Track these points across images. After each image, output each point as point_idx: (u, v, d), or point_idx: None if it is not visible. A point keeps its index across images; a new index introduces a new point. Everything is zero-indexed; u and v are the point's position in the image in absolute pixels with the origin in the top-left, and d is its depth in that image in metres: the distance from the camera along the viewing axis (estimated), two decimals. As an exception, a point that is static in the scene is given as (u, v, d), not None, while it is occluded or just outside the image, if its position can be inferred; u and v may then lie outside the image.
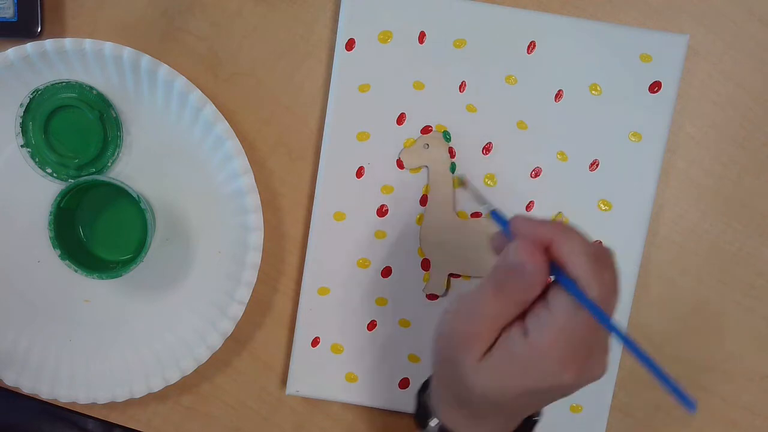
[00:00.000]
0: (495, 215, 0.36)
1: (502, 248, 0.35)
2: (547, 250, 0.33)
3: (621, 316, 0.50)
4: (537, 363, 0.32)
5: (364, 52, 0.50)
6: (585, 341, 0.32)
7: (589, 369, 0.33)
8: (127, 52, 0.48)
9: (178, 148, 0.51)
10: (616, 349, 0.51)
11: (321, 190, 0.51)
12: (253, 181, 0.49)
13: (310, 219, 0.51)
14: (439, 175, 0.50)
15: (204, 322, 0.51)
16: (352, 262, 0.51)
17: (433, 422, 0.38)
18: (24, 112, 0.49)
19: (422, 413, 0.40)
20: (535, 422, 0.39)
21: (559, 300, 0.32)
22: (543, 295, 0.33)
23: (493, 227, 0.50)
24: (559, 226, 0.33)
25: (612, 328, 0.32)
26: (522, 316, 0.34)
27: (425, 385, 0.42)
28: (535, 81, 0.50)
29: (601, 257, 0.33)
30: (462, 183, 0.40)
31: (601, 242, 0.34)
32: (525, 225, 0.34)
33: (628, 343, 0.31)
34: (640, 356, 0.31)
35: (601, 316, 0.31)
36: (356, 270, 0.51)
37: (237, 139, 0.49)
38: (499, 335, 0.34)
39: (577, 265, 0.32)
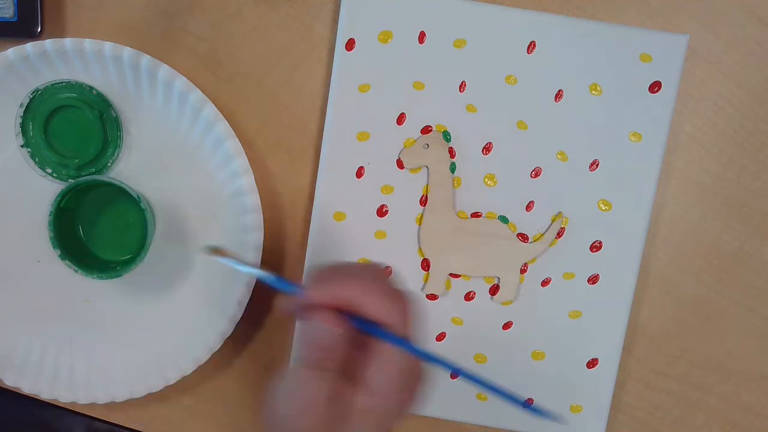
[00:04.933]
0: (279, 282, 0.37)
1: (296, 310, 0.36)
2: (345, 307, 0.34)
3: (621, 316, 0.50)
4: (386, 404, 0.34)
5: (364, 52, 0.50)
6: (411, 367, 0.35)
7: (417, 385, 0.35)
8: (127, 52, 0.48)
9: (178, 148, 0.51)
10: (610, 353, 0.51)
11: (321, 190, 0.51)
12: (253, 181, 0.49)
13: (310, 219, 0.51)
14: (439, 175, 0.50)
15: (204, 323, 0.51)
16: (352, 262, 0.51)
17: None
18: (24, 112, 0.49)
19: None
20: None
21: (387, 348, 0.34)
22: (360, 354, 0.35)
23: (493, 228, 0.50)
24: (346, 280, 0.35)
25: (422, 354, 0.35)
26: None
27: None
28: (535, 81, 0.50)
29: (397, 293, 0.35)
30: (217, 252, 0.40)
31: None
32: (319, 295, 0.35)
33: (458, 371, 0.36)
34: (473, 380, 0.36)
35: (406, 346, 0.34)
36: (356, 270, 0.51)
37: (237, 139, 0.49)
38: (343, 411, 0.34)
39: (379, 313, 0.34)
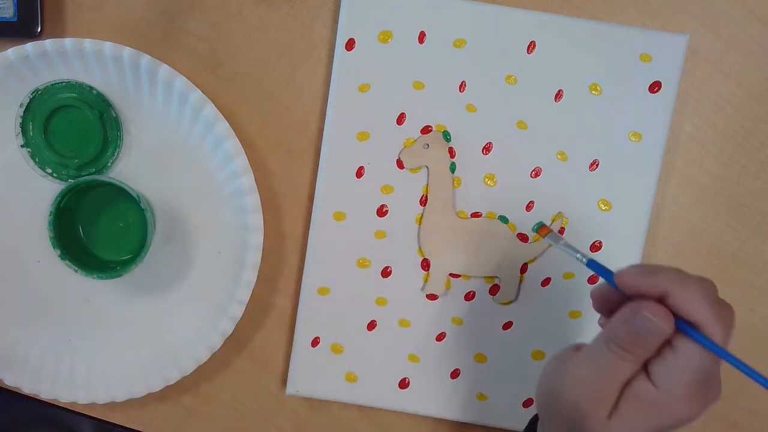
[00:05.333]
0: (595, 266, 0.37)
1: (604, 299, 0.36)
2: (662, 300, 0.33)
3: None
4: (667, 405, 0.33)
5: (364, 52, 0.50)
6: (708, 377, 0.33)
7: (710, 398, 0.34)
8: (127, 52, 0.48)
9: (178, 148, 0.51)
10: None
11: (321, 190, 0.51)
12: (253, 181, 0.49)
13: (310, 219, 0.51)
14: (439, 175, 0.50)
15: (204, 322, 0.51)
16: (352, 262, 0.51)
17: None
18: (24, 112, 0.49)
19: None
20: None
21: (686, 344, 0.33)
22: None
23: (493, 228, 0.50)
24: (670, 273, 0.34)
25: (741, 367, 0.33)
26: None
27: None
28: (535, 81, 0.50)
29: (720, 299, 0.33)
30: (545, 233, 0.41)
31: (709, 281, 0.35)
32: (636, 279, 0.34)
33: (754, 375, 0.33)
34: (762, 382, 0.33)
35: (728, 358, 0.32)
36: (356, 270, 0.51)
37: (237, 139, 0.49)
38: (622, 388, 0.35)
39: (696, 312, 0.33)
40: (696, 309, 0.33)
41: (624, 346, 0.34)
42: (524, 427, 0.43)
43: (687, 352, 0.33)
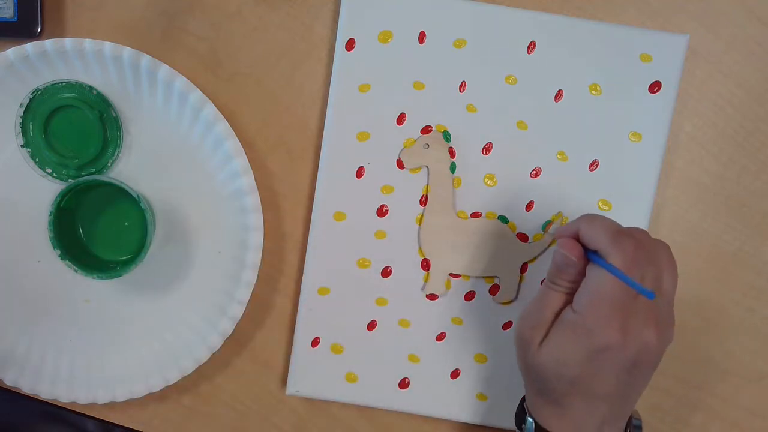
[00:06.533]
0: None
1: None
2: (579, 239, 0.40)
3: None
4: (581, 324, 0.38)
5: (364, 52, 0.50)
6: (619, 301, 0.37)
7: (633, 331, 0.37)
8: (127, 52, 0.48)
9: (178, 148, 0.51)
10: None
11: (321, 190, 0.51)
12: (253, 181, 0.49)
13: (310, 219, 0.51)
14: (439, 175, 0.50)
15: (204, 322, 0.51)
16: (352, 262, 0.51)
17: (528, 421, 0.42)
18: (24, 112, 0.49)
19: (519, 414, 0.44)
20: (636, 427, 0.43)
21: (590, 269, 0.38)
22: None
23: (493, 228, 0.50)
24: (583, 215, 0.40)
25: (614, 272, 0.37)
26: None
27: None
28: (535, 81, 0.50)
29: (621, 230, 0.38)
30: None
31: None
32: (560, 227, 0.41)
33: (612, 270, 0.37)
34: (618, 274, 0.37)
35: (614, 271, 0.37)
36: (356, 270, 0.51)
37: (237, 139, 0.49)
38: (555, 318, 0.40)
39: (596, 240, 0.38)
40: (596, 238, 0.38)
41: (551, 279, 0.40)
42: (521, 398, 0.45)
43: (593, 277, 0.38)
